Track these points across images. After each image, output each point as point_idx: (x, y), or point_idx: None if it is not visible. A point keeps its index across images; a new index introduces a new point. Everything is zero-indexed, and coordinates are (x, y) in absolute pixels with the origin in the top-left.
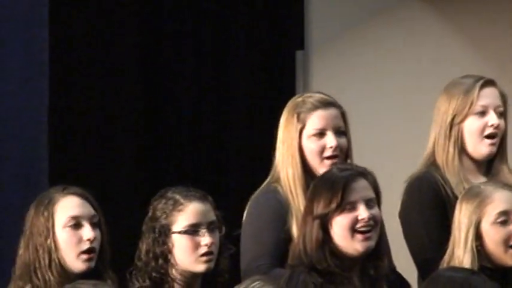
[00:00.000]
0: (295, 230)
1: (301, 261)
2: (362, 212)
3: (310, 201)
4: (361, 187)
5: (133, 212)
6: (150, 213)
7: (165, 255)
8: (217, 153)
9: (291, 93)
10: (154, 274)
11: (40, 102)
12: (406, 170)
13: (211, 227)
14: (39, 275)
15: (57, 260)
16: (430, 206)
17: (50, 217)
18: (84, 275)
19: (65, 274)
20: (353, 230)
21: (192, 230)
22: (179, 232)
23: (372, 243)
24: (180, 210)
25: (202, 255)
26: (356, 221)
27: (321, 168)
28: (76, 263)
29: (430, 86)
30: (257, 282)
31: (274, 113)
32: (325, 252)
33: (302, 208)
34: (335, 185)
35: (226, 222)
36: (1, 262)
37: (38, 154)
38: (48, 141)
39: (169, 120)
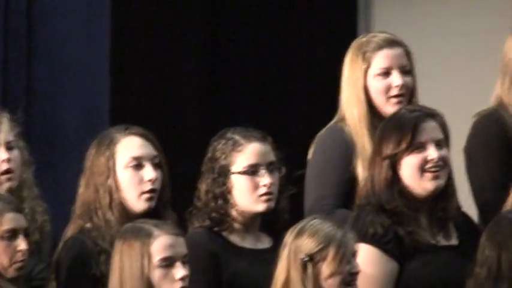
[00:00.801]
0: (360, 170)
1: (368, 201)
2: (432, 153)
3: (379, 141)
4: (431, 128)
5: (194, 152)
6: (209, 154)
7: (225, 195)
8: (279, 94)
9: (353, 35)
10: (213, 214)
11: (100, 44)
12: (469, 111)
13: (270, 168)
14: (100, 215)
15: (117, 200)
16: (495, 144)
17: (111, 157)
18: (144, 215)
19: (126, 214)
20: (422, 170)
21: (251, 171)
22: (238, 172)
23: (441, 181)
24: (239, 151)
25: (262, 195)
26: (425, 161)
27: (386, 107)
28: (137, 203)
29: (498, 28)
30: (316, 220)
31: (336, 55)
32: (394, 192)
33: (367, 147)
34: (405, 125)
35: (287, 163)
36: (61, 202)
37: (100, 95)
38: (110, 82)
39: (230, 62)
